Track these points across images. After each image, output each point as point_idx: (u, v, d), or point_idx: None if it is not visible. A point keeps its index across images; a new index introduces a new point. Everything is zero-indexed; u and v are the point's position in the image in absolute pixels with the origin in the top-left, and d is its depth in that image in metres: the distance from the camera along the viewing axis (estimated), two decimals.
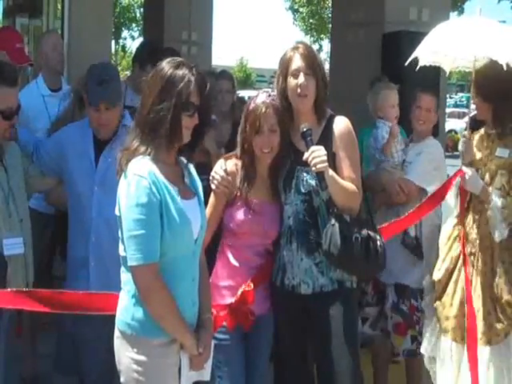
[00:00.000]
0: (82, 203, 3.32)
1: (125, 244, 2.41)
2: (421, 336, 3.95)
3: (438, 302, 3.68)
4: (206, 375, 2.60)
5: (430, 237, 4.02)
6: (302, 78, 3.05)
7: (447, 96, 9.82)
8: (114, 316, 2.62)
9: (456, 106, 32.78)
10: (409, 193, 3.91)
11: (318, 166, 2.92)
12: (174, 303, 2.41)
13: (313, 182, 3.07)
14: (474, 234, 3.60)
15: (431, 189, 3.83)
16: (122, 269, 2.50)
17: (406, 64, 3.69)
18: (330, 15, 27.57)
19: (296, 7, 38.09)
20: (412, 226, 3.91)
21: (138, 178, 2.37)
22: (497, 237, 3.49)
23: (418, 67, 3.69)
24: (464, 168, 3.54)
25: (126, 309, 2.47)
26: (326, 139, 3.09)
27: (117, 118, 3.35)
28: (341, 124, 3.15)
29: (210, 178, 3.11)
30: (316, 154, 2.93)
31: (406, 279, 3.93)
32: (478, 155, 3.64)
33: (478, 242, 3.58)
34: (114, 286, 3.02)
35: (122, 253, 2.47)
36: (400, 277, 3.92)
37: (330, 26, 9.48)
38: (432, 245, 4.03)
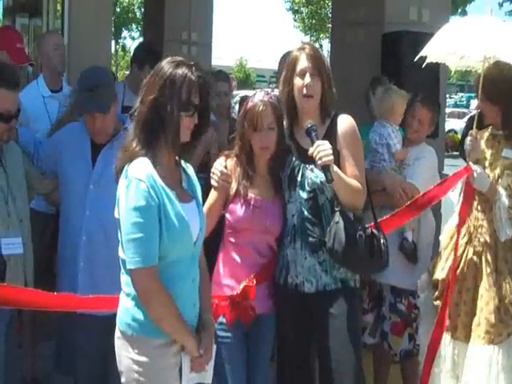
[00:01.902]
0: (75, 203, 3.32)
1: (124, 247, 2.41)
2: (417, 335, 3.97)
3: (439, 301, 3.68)
4: (207, 378, 2.59)
5: (427, 240, 4.03)
6: (308, 79, 3.08)
7: (447, 96, 9.81)
8: (109, 324, 2.63)
9: (456, 106, 32.78)
10: (412, 197, 3.91)
11: (324, 160, 2.94)
12: (173, 305, 2.41)
13: (317, 180, 3.09)
14: (477, 233, 3.61)
15: None
16: (122, 271, 2.49)
17: (415, 60, 3.70)
18: (329, 15, 27.54)
19: (296, 8, 38.11)
20: (410, 231, 3.92)
21: (137, 181, 2.36)
22: (502, 236, 3.49)
23: (424, 64, 3.69)
24: (472, 165, 3.54)
25: (127, 310, 2.47)
26: (330, 138, 3.10)
27: (112, 122, 3.32)
28: (345, 122, 3.17)
29: (211, 174, 3.13)
30: (321, 148, 2.95)
31: (401, 283, 3.93)
32: (484, 155, 3.64)
33: (481, 241, 3.58)
34: (101, 286, 3.04)
35: (121, 255, 2.47)
36: (395, 281, 3.92)
37: (330, 26, 9.47)
38: (428, 247, 4.03)
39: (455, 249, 3.61)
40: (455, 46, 3.60)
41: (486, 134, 3.71)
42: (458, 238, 3.60)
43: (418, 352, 3.99)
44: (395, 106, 4.14)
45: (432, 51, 3.67)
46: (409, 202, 3.63)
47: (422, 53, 3.69)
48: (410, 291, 3.96)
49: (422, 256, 3.98)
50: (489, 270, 3.55)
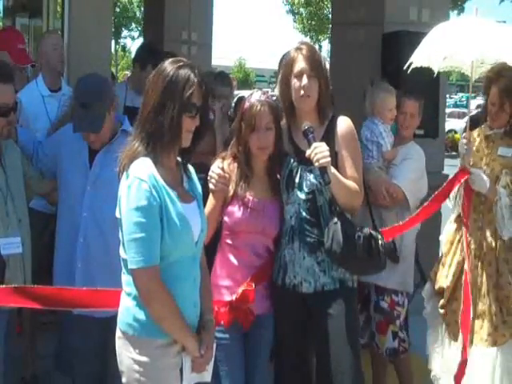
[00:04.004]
0: (72, 203, 3.32)
1: (125, 247, 2.41)
2: (402, 332, 3.94)
3: (446, 308, 3.67)
4: (207, 377, 2.60)
5: (411, 241, 4.01)
6: (305, 80, 3.08)
7: (447, 96, 9.82)
8: (107, 325, 2.63)
9: (456, 106, 32.77)
10: (396, 198, 3.90)
11: (321, 161, 2.94)
12: (174, 305, 2.41)
13: (316, 181, 3.08)
14: (477, 235, 3.60)
15: (412, 200, 3.85)
16: (123, 270, 2.50)
17: (404, 68, 3.70)
18: (329, 16, 27.56)
19: (295, 10, 38.16)
20: None
21: (139, 181, 2.37)
22: (505, 235, 3.49)
23: (409, 70, 3.70)
24: (470, 168, 3.53)
25: (128, 310, 2.47)
26: (328, 139, 3.11)
27: (109, 130, 3.31)
28: (343, 124, 3.17)
29: (208, 177, 3.13)
30: (318, 150, 2.95)
31: (384, 281, 3.92)
32: (479, 156, 3.64)
33: (481, 243, 3.58)
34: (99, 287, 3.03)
35: (123, 255, 2.47)
36: (377, 279, 3.90)
37: (330, 26, 9.47)
38: (412, 249, 4.01)
39: (466, 251, 3.57)
40: (444, 51, 3.59)
41: (479, 134, 3.71)
42: (466, 241, 3.58)
43: (405, 350, 3.98)
44: (382, 101, 4.13)
45: (417, 58, 3.66)
46: (418, 211, 3.64)
47: (410, 61, 3.68)
48: (392, 290, 3.95)
49: (404, 255, 3.96)
50: (490, 272, 3.55)
